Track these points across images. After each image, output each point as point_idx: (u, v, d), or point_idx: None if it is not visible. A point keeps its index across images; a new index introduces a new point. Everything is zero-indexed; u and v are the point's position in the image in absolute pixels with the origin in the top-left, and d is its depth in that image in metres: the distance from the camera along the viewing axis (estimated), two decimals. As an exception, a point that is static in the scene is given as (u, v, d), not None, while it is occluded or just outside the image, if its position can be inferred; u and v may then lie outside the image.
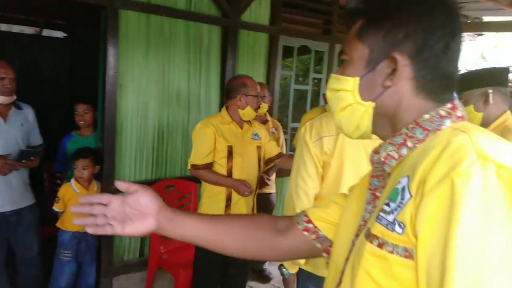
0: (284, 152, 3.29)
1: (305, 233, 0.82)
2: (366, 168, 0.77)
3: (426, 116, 0.62)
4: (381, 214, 0.57)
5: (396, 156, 0.62)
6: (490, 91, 1.75)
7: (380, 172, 0.67)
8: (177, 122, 3.00)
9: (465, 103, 1.78)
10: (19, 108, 2.38)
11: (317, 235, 0.81)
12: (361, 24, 0.66)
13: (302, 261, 1.59)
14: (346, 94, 0.67)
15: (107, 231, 0.75)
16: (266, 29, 3.37)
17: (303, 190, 1.53)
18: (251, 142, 2.33)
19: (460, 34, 0.62)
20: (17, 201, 2.38)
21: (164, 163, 3.00)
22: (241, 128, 2.31)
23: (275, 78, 3.47)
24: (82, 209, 0.77)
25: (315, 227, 0.81)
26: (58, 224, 2.54)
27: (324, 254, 0.82)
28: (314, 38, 3.69)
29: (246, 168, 2.28)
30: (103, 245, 2.75)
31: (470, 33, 7.34)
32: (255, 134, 2.37)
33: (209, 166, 2.23)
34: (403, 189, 0.55)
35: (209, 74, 3.11)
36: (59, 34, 5.51)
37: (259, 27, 3.32)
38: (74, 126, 2.93)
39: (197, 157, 2.21)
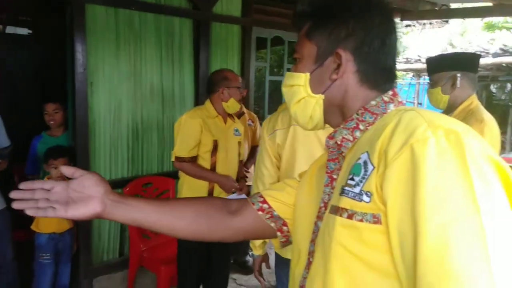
0: (262, 144, 3.30)
1: (260, 212, 0.86)
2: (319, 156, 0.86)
3: (373, 102, 0.70)
4: (347, 188, 0.62)
5: (351, 138, 0.69)
6: (459, 75, 1.81)
7: (335, 156, 0.73)
8: (152, 118, 2.95)
9: (434, 85, 1.87)
10: None
11: (271, 215, 0.86)
12: (309, 25, 0.74)
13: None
14: (299, 88, 0.75)
15: (49, 213, 0.73)
16: (239, 21, 3.34)
17: (260, 180, 1.70)
18: (233, 137, 2.33)
19: (395, 32, 0.71)
20: None
21: (140, 160, 2.95)
22: (225, 122, 2.31)
23: (249, 69, 3.46)
24: (23, 194, 0.75)
25: (270, 207, 0.86)
26: (33, 227, 2.47)
27: (278, 234, 0.87)
28: (287, 29, 3.69)
29: (228, 163, 2.28)
30: (81, 246, 2.70)
31: (438, 20, 7.52)
32: (236, 130, 2.37)
33: (194, 160, 2.20)
34: (365, 162, 0.60)
35: (183, 68, 3.06)
36: (24, 31, 5.29)
37: (231, 19, 3.29)
38: (44, 126, 2.84)
39: (183, 149, 2.17)
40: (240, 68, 3.45)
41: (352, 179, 0.61)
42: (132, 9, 2.70)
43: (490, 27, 8.78)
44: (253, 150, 3.21)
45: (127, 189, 2.74)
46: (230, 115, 2.36)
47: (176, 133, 2.23)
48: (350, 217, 0.60)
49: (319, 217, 0.72)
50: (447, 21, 8.05)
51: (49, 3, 3.54)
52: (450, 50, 7.98)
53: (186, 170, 2.22)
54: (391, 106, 0.70)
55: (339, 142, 0.71)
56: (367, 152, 0.61)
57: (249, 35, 3.41)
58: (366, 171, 0.59)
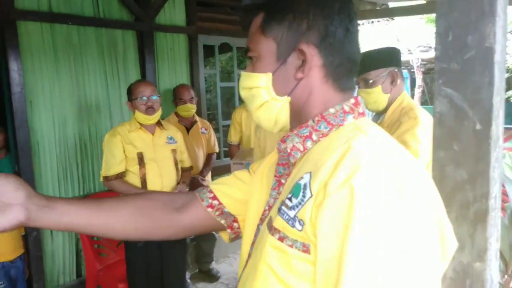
0: (217, 150, 3.31)
1: (209, 209, 0.79)
2: None
3: (331, 110, 0.64)
4: (283, 208, 0.58)
5: (301, 148, 0.64)
6: (396, 70, 1.73)
7: (285, 161, 0.68)
8: (101, 133, 2.88)
9: (373, 84, 1.72)
10: None
11: (221, 211, 0.80)
12: (262, 18, 0.66)
13: None
14: (260, 91, 0.66)
15: None
16: (183, 30, 3.34)
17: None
18: (165, 146, 2.31)
19: (355, 17, 0.65)
20: None
21: (91, 177, 2.88)
22: (152, 133, 2.28)
23: (198, 77, 3.46)
24: None
25: (220, 203, 0.80)
26: (-21, 258, 2.35)
27: (228, 230, 0.81)
28: (234, 35, 3.73)
29: (161, 174, 2.26)
30: (33, 272, 2.59)
31: (381, 19, 7.85)
32: (170, 138, 2.36)
33: (121, 176, 2.19)
34: (305, 186, 0.57)
35: (129, 79, 3.01)
36: None
37: (176, 28, 3.29)
38: (-16, 150, 2.71)
39: (108, 167, 2.17)
40: (190, 76, 3.44)
41: (290, 199, 0.58)
42: (69, 23, 2.63)
43: (432, 21, 9.28)
44: (209, 158, 3.21)
45: (78, 208, 2.65)
46: (159, 124, 2.33)
47: (103, 152, 2.24)
48: (281, 239, 0.57)
49: (262, 220, 0.69)
50: (392, 18, 8.44)
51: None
52: (397, 47, 8.33)
53: (115, 188, 2.21)
54: (350, 118, 0.64)
55: (288, 150, 0.66)
56: (310, 173, 0.57)
57: (195, 43, 3.41)
58: (304, 196, 0.56)
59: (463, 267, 0.71)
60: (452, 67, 0.69)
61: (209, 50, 3.69)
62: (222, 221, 0.80)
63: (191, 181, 2.47)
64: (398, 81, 1.73)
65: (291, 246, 0.56)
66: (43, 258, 2.64)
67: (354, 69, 0.67)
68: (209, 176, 3.21)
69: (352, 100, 0.66)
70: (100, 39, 2.83)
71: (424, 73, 8.73)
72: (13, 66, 2.38)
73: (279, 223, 0.58)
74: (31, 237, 2.55)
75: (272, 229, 0.60)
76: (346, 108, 0.64)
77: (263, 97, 0.67)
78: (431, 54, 6.80)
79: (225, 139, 3.66)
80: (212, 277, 3.33)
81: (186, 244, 2.71)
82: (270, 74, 0.65)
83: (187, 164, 2.49)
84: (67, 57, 2.67)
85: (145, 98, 2.18)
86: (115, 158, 2.16)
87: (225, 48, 3.82)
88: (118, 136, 2.19)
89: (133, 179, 2.21)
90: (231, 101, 4.18)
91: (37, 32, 2.51)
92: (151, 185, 2.22)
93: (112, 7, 2.88)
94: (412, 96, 8.71)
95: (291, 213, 0.56)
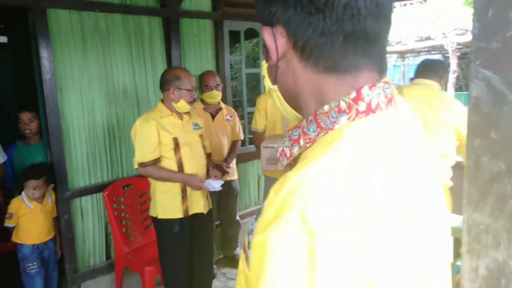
0: (242, 137, 3.30)
1: None
2: None
3: (326, 108, 0.51)
4: (251, 227, 0.51)
5: (287, 154, 0.55)
6: None
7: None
8: (128, 119, 2.93)
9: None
10: None
11: None
12: None
13: None
14: (265, 80, 0.62)
15: None
16: (209, 16, 3.31)
17: None
18: (193, 132, 2.33)
19: None
20: None
21: (119, 162, 2.94)
22: (181, 119, 2.30)
23: (224, 64, 3.44)
24: None
25: None
26: (14, 239, 2.47)
27: None
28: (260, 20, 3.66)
29: (195, 158, 2.28)
30: (65, 253, 2.70)
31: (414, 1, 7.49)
32: (195, 124, 2.37)
33: (157, 162, 2.20)
34: (258, 212, 0.49)
35: (155, 66, 3.04)
36: (4, 39, 5.20)
37: (202, 14, 3.26)
38: (18, 135, 2.82)
39: (144, 153, 2.17)
40: (215, 63, 3.43)
41: (256, 219, 0.49)
42: (96, 11, 2.66)
43: (470, 3, 8.76)
44: (233, 145, 3.21)
45: (107, 192, 2.73)
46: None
47: (133, 140, 2.23)
48: (246, 259, 0.50)
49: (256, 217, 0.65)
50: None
51: (10, 11, 3.48)
52: (432, 30, 7.97)
53: (151, 174, 2.22)
54: (343, 120, 0.49)
55: (278, 154, 0.57)
56: (270, 194, 0.48)
57: (221, 29, 3.38)
58: (255, 224, 0.48)
59: (497, 265, 0.65)
60: (491, 47, 0.62)
61: (234, 36, 3.65)
62: None
63: (216, 167, 2.48)
64: None
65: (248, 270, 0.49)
66: (75, 240, 2.74)
67: (353, 44, 0.49)
68: (233, 163, 3.22)
69: (353, 94, 0.49)
70: (126, 26, 2.85)
71: (459, 58, 8.31)
72: (44, 54, 2.44)
73: (247, 241, 0.51)
74: (63, 220, 2.65)
75: (244, 245, 0.53)
76: (343, 105, 0.50)
77: (267, 85, 0.62)
78: (468, 37, 6.44)
79: (250, 126, 3.65)
80: (236, 262, 3.36)
81: (213, 230, 2.74)
82: (264, 63, 0.60)
83: (208, 150, 2.50)
84: (95, 44, 2.70)
85: (192, 90, 2.22)
86: (151, 144, 2.16)
87: (250, 33, 3.76)
88: (153, 122, 2.18)
89: (169, 164, 2.22)
90: (257, 87, 4.15)
91: (66, 19, 2.55)
92: (188, 169, 2.24)
93: (138, -6, 2.89)
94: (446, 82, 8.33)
95: (250, 237, 0.49)
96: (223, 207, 3.26)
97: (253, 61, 5.57)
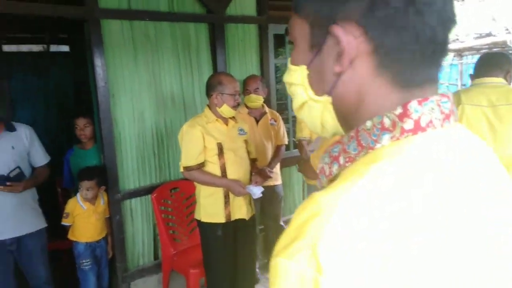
0: (286, 142, 3.26)
1: None
2: None
3: (368, 124, 0.46)
4: None
5: (327, 172, 0.50)
6: None
7: None
8: (175, 125, 3.01)
9: None
10: (12, 129, 2.30)
11: None
12: None
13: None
14: (298, 88, 0.53)
15: None
16: (254, 20, 3.32)
17: None
18: (238, 137, 2.34)
19: None
20: (16, 228, 2.28)
21: (166, 166, 3.03)
22: (226, 124, 2.31)
23: (268, 68, 3.42)
24: None
25: None
26: (70, 237, 2.62)
27: None
28: (306, 22, 3.60)
29: (239, 163, 2.29)
30: (117, 252, 2.82)
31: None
32: (241, 130, 2.37)
33: (201, 166, 2.24)
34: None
35: (201, 72, 3.09)
36: (66, 48, 5.58)
37: (246, 18, 3.27)
38: (75, 140, 2.99)
39: (189, 158, 2.22)
40: (260, 67, 3.42)
41: None
42: (146, 20, 2.76)
43: (539, -5, 8.01)
44: (277, 150, 3.18)
45: (155, 194, 2.82)
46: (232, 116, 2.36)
47: (180, 144, 2.29)
48: None
49: None
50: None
51: (68, 22, 3.72)
52: (493, 26, 7.41)
53: (195, 178, 2.26)
54: (385, 139, 0.44)
55: (318, 171, 0.53)
56: (295, 213, 0.46)
57: (266, 33, 3.37)
58: None
59: None
60: None
61: (279, 39, 3.63)
62: None
63: (258, 173, 2.47)
64: None
65: None
66: (125, 240, 2.86)
67: (429, 51, 0.44)
68: (277, 168, 3.18)
69: (399, 110, 0.44)
70: (174, 33, 2.93)
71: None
72: (98, 62, 2.57)
73: None
74: (114, 221, 2.77)
75: None
76: (386, 122, 0.44)
77: (301, 96, 0.53)
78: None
79: (294, 130, 3.59)
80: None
81: (256, 235, 2.73)
82: (304, 68, 0.50)
83: (253, 155, 2.49)
84: (145, 52, 2.81)
85: (235, 95, 2.24)
86: (196, 149, 2.21)
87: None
88: (198, 127, 2.23)
89: (213, 168, 2.25)
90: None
91: (118, 29, 2.67)
92: (231, 174, 2.27)
93: (185, 1, 2.95)
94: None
95: None
96: (267, 212, 3.23)
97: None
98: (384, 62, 0.44)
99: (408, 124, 0.43)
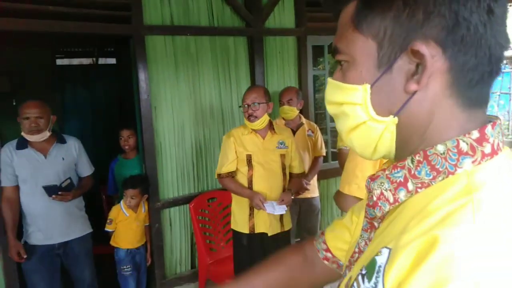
0: (324, 153, 3.22)
1: (325, 262, 0.77)
2: None
3: (440, 148, 0.45)
4: (354, 284, 0.46)
5: (391, 199, 0.48)
6: None
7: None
8: (214, 136, 3.08)
9: None
10: (63, 142, 2.41)
11: (337, 264, 0.75)
12: (356, 7, 0.49)
13: None
14: (355, 108, 0.50)
15: None
16: (292, 32, 3.33)
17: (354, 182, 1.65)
18: (274, 151, 2.35)
19: None
20: (64, 234, 2.40)
21: (204, 176, 3.09)
22: (263, 137, 2.34)
23: (307, 79, 3.41)
24: None
25: (334, 256, 0.75)
26: (112, 243, 2.73)
27: None
28: (345, 33, 3.56)
29: (266, 176, 2.30)
30: (155, 259, 2.90)
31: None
32: (281, 143, 2.37)
33: (231, 175, 2.33)
34: (379, 269, 0.42)
35: (240, 85, 3.15)
36: (113, 61, 5.88)
37: (285, 31, 3.30)
38: (120, 150, 3.13)
39: (221, 166, 2.34)
40: (297, 78, 3.42)
41: (363, 277, 0.44)
42: (187, 35, 2.86)
43: None
44: (315, 161, 3.14)
45: (193, 204, 2.88)
46: (271, 129, 2.38)
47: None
48: None
49: (350, 263, 0.59)
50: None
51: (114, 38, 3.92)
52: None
53: (225, 185, 2.37)
54: (467, 163, 0.43)
55: (374, 198, 0.50)
56: (389, 250, 0.42)
57: (304, 44, 3.37)
58: (375, 285, 0.42)
59: None
60: None
61: (318, 50, 3.61)
62: (341, 272, 0.74)
63: (287, 193, 2.44)
64: None
65: None
66: (164, 248, 2.93)
67: (494, 71, 0.45)
68: (314, 180, 3.14)
69: (475, 134, 0.44)
70: (214, 47, 3.01)
71: None
72: (141, 76, 2.69)
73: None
74: (154, 229, 2.86)
75: None
76: (463, 146, 0.44)
77: (358, 116, 0.49)
78: None
79: (333, 141, 3.54)
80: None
81: (290, 245, 2.70)
82: (367, 86, 0.48)
83: (296, 170, 2.47)
84: (185, 65, 2.90)
85: (246, 106, 2.27)
86: (228, 158, 2.33)
87: (334, 47, 3.68)
88: (232, 138, 2.34)
89: (242, 178, 2.34)
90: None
91: (161, 44, 2.79)
92: (257, 187, 2.31)
93: (225, 15, 3.03)
94: None
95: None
96: (303, 225, 3.19)
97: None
98: (456, 82, 0.44)
99: (487, 149, 0.44)
